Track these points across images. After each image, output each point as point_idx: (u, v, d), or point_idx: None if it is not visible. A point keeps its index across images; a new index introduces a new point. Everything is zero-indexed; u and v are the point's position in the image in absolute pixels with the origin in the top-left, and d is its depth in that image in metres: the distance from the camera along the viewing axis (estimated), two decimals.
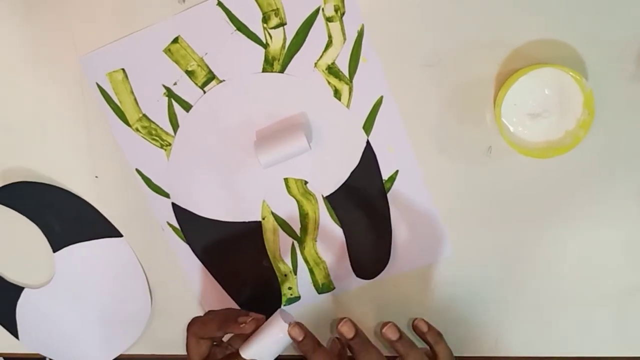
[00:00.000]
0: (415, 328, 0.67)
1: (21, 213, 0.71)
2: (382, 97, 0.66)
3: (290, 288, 0.71)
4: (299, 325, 0.61)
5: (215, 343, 0.65)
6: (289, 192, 0.69)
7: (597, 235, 0.68)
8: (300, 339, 0.61)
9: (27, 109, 0.69)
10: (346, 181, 0.68)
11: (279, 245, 0.70)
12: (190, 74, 0.66)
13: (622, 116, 0.65)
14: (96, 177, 0.70)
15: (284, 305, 0.71)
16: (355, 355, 0.62)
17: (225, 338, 0.67)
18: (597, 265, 0.68)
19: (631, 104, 0.64)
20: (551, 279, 0.69)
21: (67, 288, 0.72)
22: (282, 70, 0.66)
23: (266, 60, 0.66)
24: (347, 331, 0.62)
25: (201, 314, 0.71)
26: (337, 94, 0.66)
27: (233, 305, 0.71)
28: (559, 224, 0.68)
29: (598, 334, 0.70)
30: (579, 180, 0.66)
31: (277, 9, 0.64)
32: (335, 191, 0.68)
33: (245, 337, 0.62)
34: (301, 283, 0.71)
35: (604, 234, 0.67)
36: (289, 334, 0.61)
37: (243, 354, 0.61)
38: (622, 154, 0.65)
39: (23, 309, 0.73)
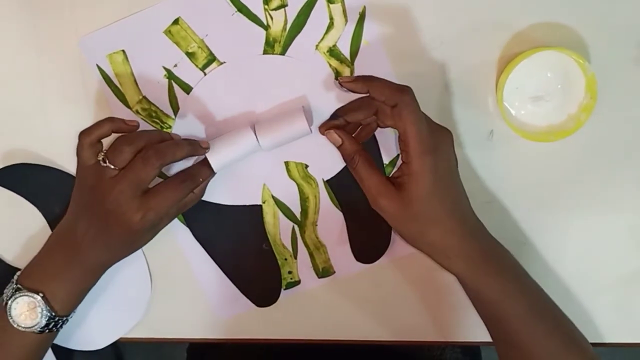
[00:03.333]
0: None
1: (21, 195, 0.70)
2: None
3: (290, 272, 0.71)
4: (335, 130, 0.64)
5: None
6: (290, 175, 0.68)
7: (600, 220, 0.67)
8: (339, 144, 0.63)
9: (29, 91, 0.68)
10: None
11: (279, 229, 0.70)
12: (190, 55, 0.66)
13: (624, 100, 0.64)
14: None
15: (284, 289, 0.71)
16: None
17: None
18: (600, 250, 0.68)
19: (634, 87, 0.64)
20: (553, 264, 0.69)
21: None
22: (283, 53, 0.66)
23: (267, 42, 0.65)
24: (334, 140, 0.64)
25: (201, 297, 0.71)
26: (338, 76, 0.66)
27: (233, 289, 0.71)
28: (561, 208, 0.67)
29: (601, 321, 0.70)
30: (581, 165, 0.66)
31: None
32: (336, 175, 0.68)
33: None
34: (301, 267, 0.71)
35: (606, 218, 0.67)
36: (329, 138, 0.64)
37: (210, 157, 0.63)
38: (624, 138, 0.65)
39: None
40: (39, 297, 0.61)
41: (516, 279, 0.62)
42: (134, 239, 0.64)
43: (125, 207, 0.60)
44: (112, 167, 0.60)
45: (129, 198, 0.60)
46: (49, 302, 0.62)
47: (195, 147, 0.63)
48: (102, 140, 0.62)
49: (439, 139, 0.60)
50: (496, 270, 0.61)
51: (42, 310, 0.61)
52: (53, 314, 0.62)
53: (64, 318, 0.64)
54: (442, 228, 0.60)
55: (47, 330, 0.63)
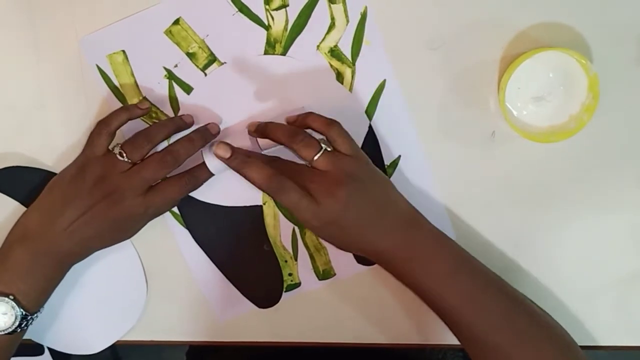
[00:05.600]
0: (292, 124, 0.64)
1: (14, 198, 0.70)
2: (385, 80, 0.66)
3: (290, 274, 0.70)
4: (224, 143, 0.61)
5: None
6: None
7: (601, 220, 0.67)
8: (228, 155, 0.60)
9: (28, 92, 0.68)
10: None
11: (280, 230, 0.69)
12: (191, 56, 0.66)
13: (626, 100, 0.64)
14: None
15: (285, 291, 0.71)
16: (239, 172, 0.61)
17: None
18: (600, 251, 0.68)
19: (636, 88, 0.64)
20: (553, 265, 0.68)
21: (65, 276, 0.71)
22: (284, 53, 0.65)
23: (268, 42, 0.65)
24: (224, 153, 0.61)
25: (201, 299, 0.71)
26: (339, 77, 0.66)
27: (233, 291, 0.71)
28: (562, 209, 0.67)
29: (599, 323, 0.69)
30: (583, 165, 0.66)
31: None
32: None
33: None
34: (302, 269, 0.70)
35: (608, 219, 0.67)
36: (215, 153, 0.61)
37: (207, 161, 0.63)
38: (626, 139, 0.65)
39: None
40: (9, 300, 0.61)
41: (452, 274, 0.60)
42: (125, 229, 0.65)
43: (129, 202, 0.61)
44: (127, 160, 0.61)
45: (135, 194, 0.61)
46: (19, 302, 0.61)
47: (207, 137, 0.65)
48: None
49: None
50: (427, 268, 0.60)
51: (14, 312, 0.61)
52: (24, 313, 0.62)
53: (35, 315, 0.63)
54: (358, 244, 0.61)
55: (19, 330, 0.62)
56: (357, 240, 0.61)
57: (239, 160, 0.61)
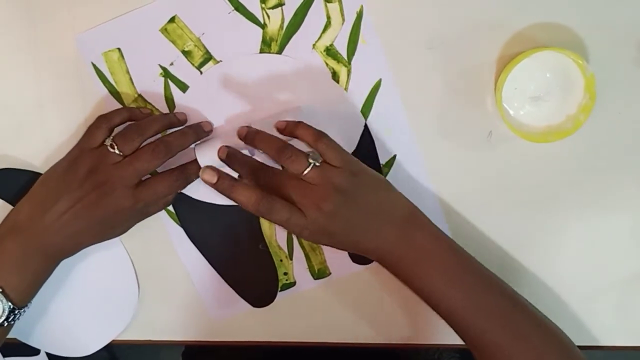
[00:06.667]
0: (281, 131, 0.64)
1: (6, 201, 0.69)
2: (380, 79, 0.65)
3: (285, 273, 0.70)
4: (211, 168, 0.63)
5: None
6: None
7: (599, 221, 0.67)
8: (214, 181, 0.62)
9: (26, 92, 0.68)
10: None
11: (275, 229, 0.69)
12: (186, 54, 0.66)
13: (623, 100, 0.64)
14: None
15: (280, 291, 0.70)
16: (227, 196, 0.62)
17: None
18: (598, 251, 0.68)
19: (633, 88, 0.64)
20: (551, 266, 0.68)
21: (54, 277, 0.70)
22: (279, 52, 0.65)
23: (264, 41, 0.65)
24: (210, 178, 0.62)
25: (196, 299, 0.71)
26: (335, 76, 0.66)
27: (228, 290, 0.70)
28: (559, 209, 0.67)
29: (598, 323, 0.69)
30: (580, 165, 0.66)
31: None
32: None
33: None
34: (297, 268, 0.70)
35: (605, 219, 0.67)
36: (202, 178, 0.63)
37: (199, 158, 0.64)
38: (623, 139, 0.65)
39: None
40: None
41: (452, 273, 0.60)
42: (114, 224, 0.64)
43: (119, 193, 0.61)
44: (119, 153, 0.62)
45: (125, 186, 0.61)
46: (7, 295, 0.61)
47: (200, 133, 0.65)
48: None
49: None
50: (425, 266, 0.60)
51: (2, 305, 0.61)
52: (13, 306, 0.61)
53: (23, 309, 0.63)
54: (351, 245, 0.62)
55: (6, 324, 0.62)
56: (350, 242, 0.62)
57: (226, 185, 0.62)
